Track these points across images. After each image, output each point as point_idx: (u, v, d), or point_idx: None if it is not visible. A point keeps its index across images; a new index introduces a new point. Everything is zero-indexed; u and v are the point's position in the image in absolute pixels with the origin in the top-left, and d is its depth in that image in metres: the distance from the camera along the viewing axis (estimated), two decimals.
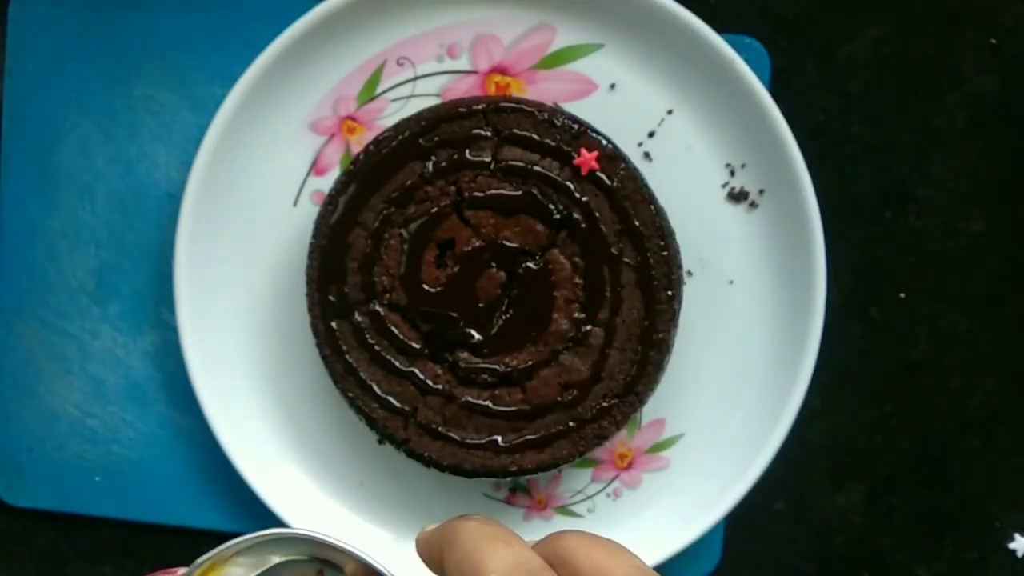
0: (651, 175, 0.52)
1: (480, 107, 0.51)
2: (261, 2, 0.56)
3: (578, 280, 0.51)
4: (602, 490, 0.57)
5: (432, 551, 0.36)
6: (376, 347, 0.51)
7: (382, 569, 0.50)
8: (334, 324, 0.51)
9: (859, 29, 0.57)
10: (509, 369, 0.51)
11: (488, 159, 0.51)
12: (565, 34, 0.55)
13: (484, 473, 0.51)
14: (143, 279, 0.58)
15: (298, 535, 0.51)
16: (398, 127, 0.51)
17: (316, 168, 0.56)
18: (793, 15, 0.57)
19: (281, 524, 0.55)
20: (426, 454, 0.51)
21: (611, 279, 0.50)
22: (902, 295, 0.58)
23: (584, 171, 0.50)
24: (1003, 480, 0.58)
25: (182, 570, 0.50)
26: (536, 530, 0.57)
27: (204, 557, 0.51)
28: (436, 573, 0.36)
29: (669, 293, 0.51)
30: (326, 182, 0.56)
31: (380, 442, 0.56)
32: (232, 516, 0.58)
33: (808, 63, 0.57)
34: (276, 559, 0.51)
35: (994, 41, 0.57)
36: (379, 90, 0.55)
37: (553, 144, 0.50)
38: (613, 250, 0.50)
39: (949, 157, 0.57)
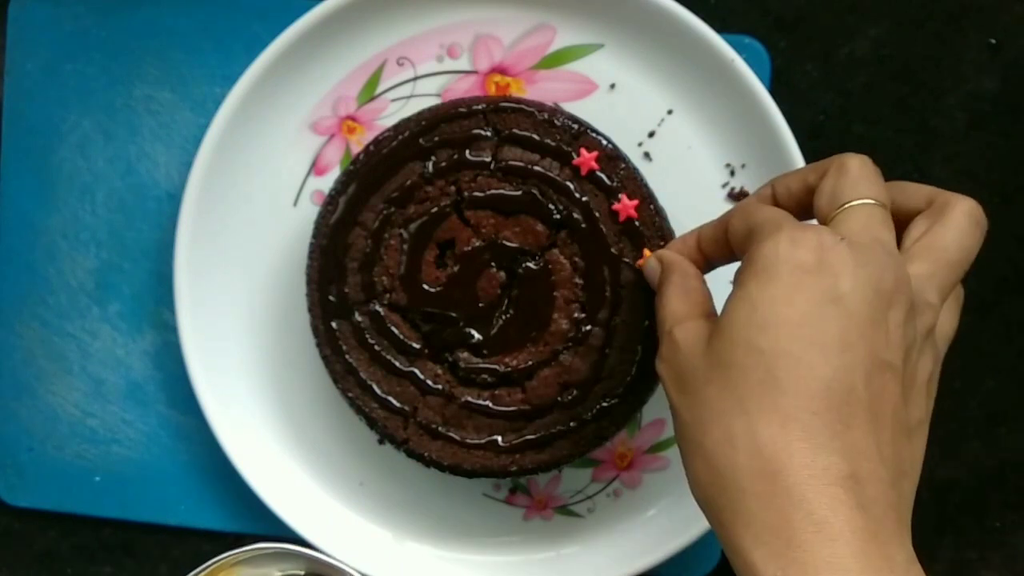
0: (651, 175, 0.52)
1: (480, 107, 0.51)
2: (261, 2, 0.57)
3: (578, 280, 0.51)
4: (602, 490, 0.57)
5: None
6: (376, 347, 0.51)
7: None
8: (334, 324, 0.51)
9: (859, 29, 0.57)
10: (509, 369, 0.51)
11: (488, 159, 0.50)
12: (565, 34, 0.55)
13: (484, 473, 0.51)
14: (143, 279, 0.58)
15: (295, 552, 0.51)
16: (398, 127, 0.51)
17: (316, 168, 0.56)
18: (793, 15, 0.57)
19: (281, 524, 0.55)
20: (426, 454, 0.51)
21: (611, 279, 0.50)
22: None
23: (584, 171, 0.50)
24: (1003, 480, 0.58)
25: None
26: (536, 530, 0.57)
27: (207, 563, 0.51)
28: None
29: None
30: (326, 182, 0.56)
31: (380, 442, 0.56)
32: (232, 516, 0.58)
33: (808, 63, 0.57)
34: (276, 573, 0.52)
35: (994, 41, 0.57)
36: (379, 90, 0.55)
37: (553, 144, 0.50)
38: (613, 250, 0.50)
39: (949, 157, 0.57)
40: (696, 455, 0.37)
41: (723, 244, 0.42)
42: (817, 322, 0.35)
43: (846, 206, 0.38)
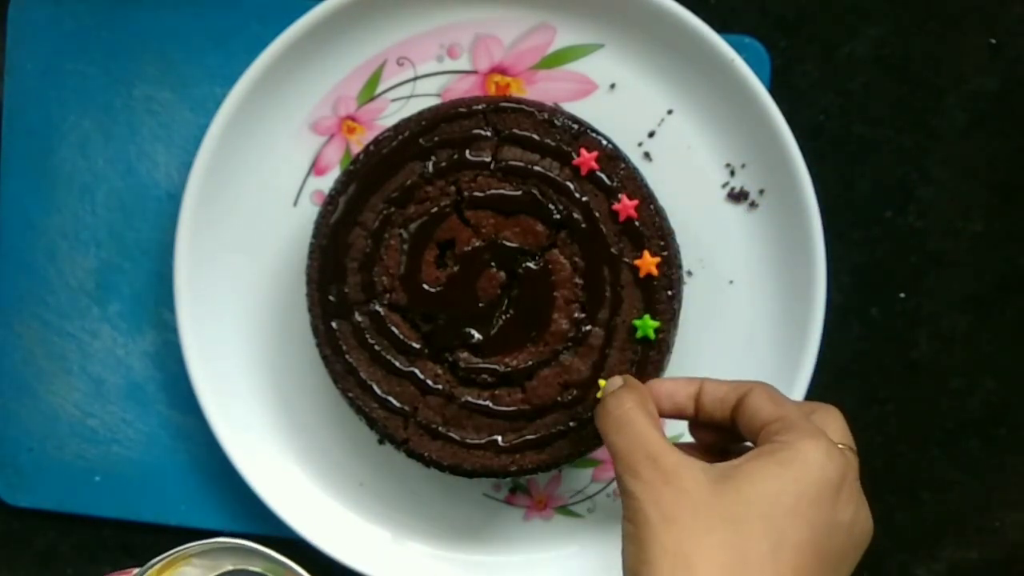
0: (651, 175, 0.52)
1: (480, 107, 0.51)
2: (261, 2, 0.57)
3: (578, 280, 0.51)
4: (602, 490, 0.57)
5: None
6: (376, 347, 0.51)
7: None
8: (334, 324, 0.51)
9: (859, 29, 0.57)
10: (509, 369, 0.51)
11: (488, 159, 0.51)
12: (565, 34, 0.55)
13: (484, 473, 0.51)
14: (143, 279, 0.58)
15: (250, 548, 0.51)
16: (398, 127, 0.51)
17: (316, 168, 0.56)
18: (793, 15, 0.57)
19: (281, 524, 0.55)
20: (426, 454, 0.51)
21: (611, 279, 0.50)
22: (902, 295, 0.58)
23: (584, 171, 0.50)
24: (1003, 480, 0.58)
25: (136, 570, 0.50)
26: (536, 530, 0.57)
27: (159, 558, 0.51)
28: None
29: (669, 293, 0.51)
30: (326, 182, 0.56)
31: (380, 442, 0.56)
32: (232, 516, 0.58)
33: (808, 63, 0.57)
34: (229, 566, 0.52)
35: (994, 41, 0.57)
36: (379, 90, 0.55)
37: (553, 144, 0.50)
38: (613, 250, 0.50)
39: (949, 157, 0.57)
40: None
41: (727, 409, 0.44)
42: (824, 538, 0.39)
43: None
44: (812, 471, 0.39)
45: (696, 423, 0.46)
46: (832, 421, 0.44)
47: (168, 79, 0.58)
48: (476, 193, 0.50)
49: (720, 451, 0.46)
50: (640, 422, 0.42)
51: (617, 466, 0.42)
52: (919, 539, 0.59)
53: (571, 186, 0.50)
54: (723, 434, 0.46)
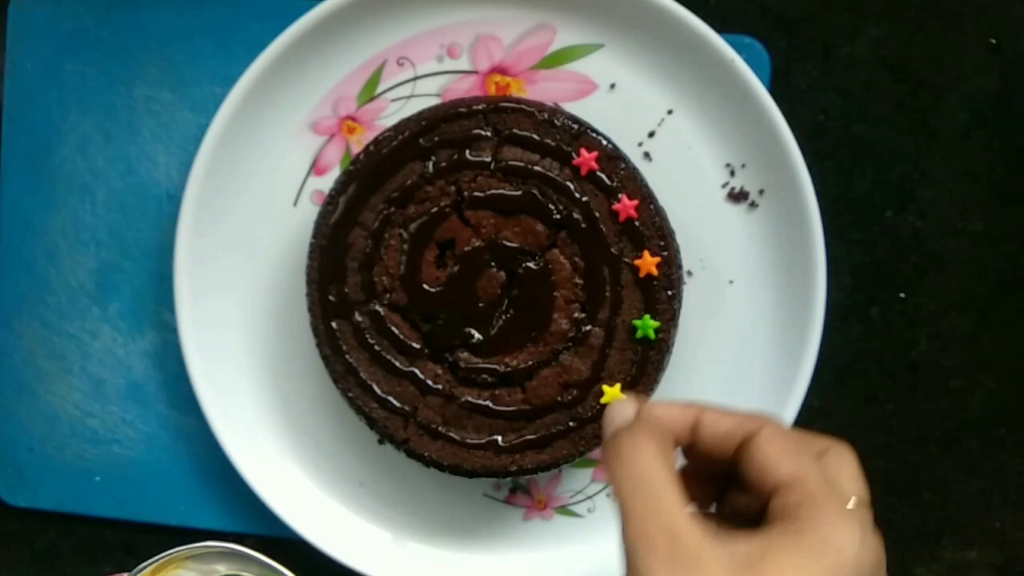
0: (651, 175, 0.52)
1: (480, 107, 0.51)
2: (261, 2, 0.57)
3: (578, 280, 0.51)
4: (602, 490, 0.57)
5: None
6: (376, 347, 0.51)
7: None
8: (334, 324, 0.51)
9: (859, 29, 0.57)
10: (509, 369, 0.51)
11: (488, 159, 0.51)
12: (565, 34, 0.55)
13: (484, 473, 0.51)
14: (143, 279, 0.58)
15: (243, 552, 0.51)
16: (398, 127, 0.51)
17: (316, 168, 0.56)
18: (793, 15, 0.57)
19: (281, 524, 0.55)
20: (426, 454, 0.51)
21: (611, 279, 0.50)
22: (902, 295, 0.58)
23: (584, 171, 0.50)
24: (1003, 480, 0.58)
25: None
26: (536, 530, 0.57)
27: (149, 560, 0.51)
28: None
29: (669, 293, 0.51)
30: (326, 182, 0.56)
31: (380, 442, 0.56)
32: (232, 516, 0.58)
33: (808, 63, 0.57)
34: (222, 570, 0.52)
35: (994, 41, 0.57)
36: (379, 90, 0.55)
37: (553, 144, 0.50)
38: (613, 250, 0.50)
39: (949, 157, 0.57)
40: None
41: (730, 447, 0.39)
42: None
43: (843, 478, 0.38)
44: (847, 565, 0.35)
45: (691, 454, 0.41)
46: (846, 467, 0.38)
47: (168, 79, 0.58)
48: (476, 193, 0.50)
49: (710, 477, 0.41)
50: (660, 482, 0.36)
51: (628, 528, 0.36)
52: (919, 539, 0.59)
53: (571, 186, 0.50)
54: (720, 465, 0.40)
